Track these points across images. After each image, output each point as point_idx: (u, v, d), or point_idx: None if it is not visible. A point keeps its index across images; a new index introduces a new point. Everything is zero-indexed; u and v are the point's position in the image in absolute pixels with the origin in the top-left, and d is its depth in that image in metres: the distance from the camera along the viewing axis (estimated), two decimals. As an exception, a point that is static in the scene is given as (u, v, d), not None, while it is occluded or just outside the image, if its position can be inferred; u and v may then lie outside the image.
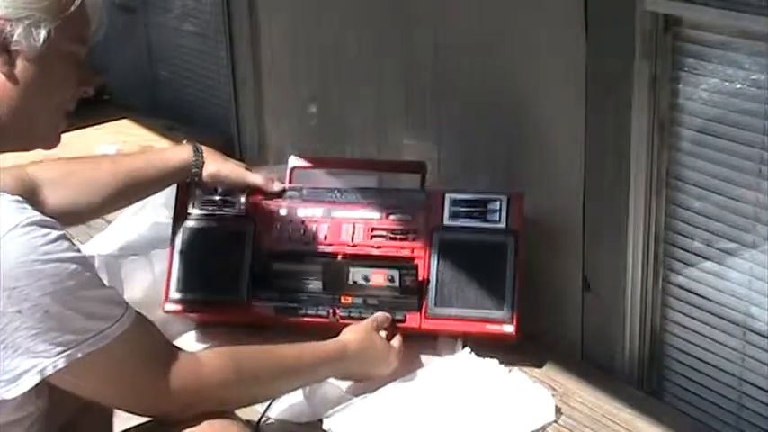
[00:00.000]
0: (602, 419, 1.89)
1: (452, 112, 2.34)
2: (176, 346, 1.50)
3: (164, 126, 3.46)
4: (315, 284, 2.05)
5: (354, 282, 2.04)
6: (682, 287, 1.96)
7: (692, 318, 1.95)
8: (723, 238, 1.86)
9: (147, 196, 2.07)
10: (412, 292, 2.01)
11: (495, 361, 1.97)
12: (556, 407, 1.88)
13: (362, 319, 1.98)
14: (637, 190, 1.92)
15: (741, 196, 1.80)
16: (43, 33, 1.36)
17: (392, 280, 2.01)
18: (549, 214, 2.13)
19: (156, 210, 2.26)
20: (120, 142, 3.32)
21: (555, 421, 1.86)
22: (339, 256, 2.08)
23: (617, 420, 1.89)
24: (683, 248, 1.94)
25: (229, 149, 3.20)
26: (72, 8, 1.39)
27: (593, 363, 2.09)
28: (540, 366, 2.04)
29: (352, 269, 2.03)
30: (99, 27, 1.47)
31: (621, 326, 2.02)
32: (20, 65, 1.37)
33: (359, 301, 2.04)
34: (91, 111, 3.42)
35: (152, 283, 2.15)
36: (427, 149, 2.40)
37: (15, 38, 1.35)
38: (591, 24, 1.93)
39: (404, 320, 2.02)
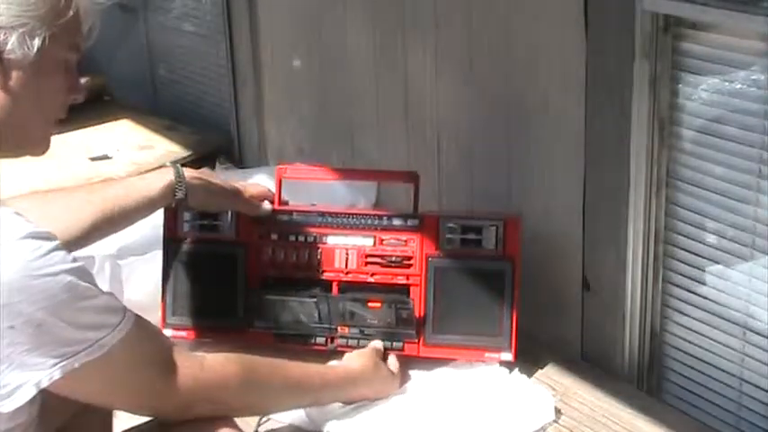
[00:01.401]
0: (602, 419, 1.89)
1: (452, 112, 2.34)
2: (179, 348, 1.49)
3: (164, 126, 3.46)
4: (311, 315, 2.04)
5: (351, 313, 2.03)
6: (682, 287, 1.96)
7: (692, 318, 1.95)
8: (723, 238, 1.86)
9: (130, 224, 1.92)
10: (409, 322, 2.01)
11: (496, 363, 1.97)
12: (556, 407, 1.88)
13: (360, 347, 1.99)
14: (637, 190, 1.92)
15: (741, 196, 1.80)
16: (37, 42, 1.35)
17: (389, 309, 2.01)
18: (550, 215, 2.13)
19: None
20: (120, 142, 3.32)
21: (555, 421, 1.86)
22: (334, 285, 2.06)
23: (617, 420, 1.89)
24: (683, 248, 1.94)
25: (229, 149, 3.21)
26: (67, 17, 1.38)
27: (593, 363, 2.09)
28: (540, 367, 2.04)
29: (348, 302, 2.03)
30: (91, 33, 1.46)
31: (621, 326, 2.02)
32: (13, 73, 1.36)
33: (356, 331, 2.03)
34: (91, 111, 3.43)
35: (152, 284, 2.14)
36: (427, 149, 2.40)
37: (9, 46, 1.34)
38: (591, 24, 1.93)
39: (402, 349, 2.02)
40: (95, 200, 1.84)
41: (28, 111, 1.39)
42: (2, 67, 1.35)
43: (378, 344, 2.00)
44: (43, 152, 1.47)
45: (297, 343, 2.05)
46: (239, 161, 3.17)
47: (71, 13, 1.38)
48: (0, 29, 1.33)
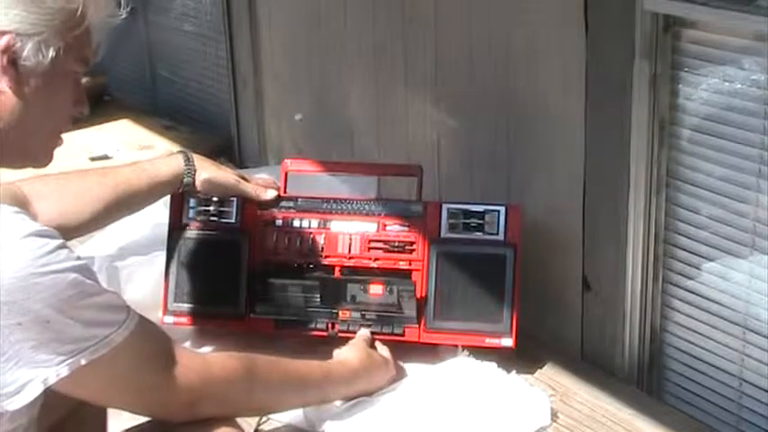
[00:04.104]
0: (602, 419, 1.89)
1: (452, 112, 2.34)
2: (183, 347, 1.50)
3: (164, 126, 3.47)
4: (313, 299, 2.04)
5: (353, 297, 2.03)
6: (682, 287, 1.96)
7: (692, 318, 1.95)
8: (723, 238, 1.86)
9: (140, 208, 2.00)
10: (410, 306, 2.01)
11: (494, 364, 1.97)
12: (552, 410, 1.87)
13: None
14: (637, 190, 1.92)
15: (741, 196, 1.80)
16: (52, 52, 1.37)
17: (390, 294, 2.00)
18: (550, 214, 2.13)
19: (156, 210, 2.26)
20: (120, 142, 3.32)
21: (554, 422, 1.86)
22: (336, 270, 2.07)
23: (617, 420, 1.89)
24: (683, 248, 1.94)
25: (229, 149, 3.21)
26: (80, 29, 1.40)
27: (593, 363, 2.09)
28: (540, 366, 2.04)
29: (350, 285, 2.03)
30: (98, 48, 1.47)
31: (621, 326, 2.02)
32: (26, 81, 1.37)
33: (357, 315, 2.03)
34: (91, 111, 3.43)
35: (152, 285, 2.14)
36: (427, 148, 2.40)
37: (25, 53, 1.36)
38: (591, 24, 1.93)
39: (403, 334, 2.02)
40: (107, 183, 1.90)
41: (37, 119, 1.40)
42: (17, 73, 1.36)
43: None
44: (46, 164, 1.48)
45: (297, 329, 2.05)
46: (239, 161, 3.17)
47: (84, 26, 1.40)
48: (17, 36, 1.35)
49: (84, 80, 1.50)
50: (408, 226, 2.06)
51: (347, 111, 2.67)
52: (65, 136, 1.50)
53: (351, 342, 1.94)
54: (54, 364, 1.29)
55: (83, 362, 1.31)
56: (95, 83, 3.53)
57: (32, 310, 1.26)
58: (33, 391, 1.29)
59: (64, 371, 1.30)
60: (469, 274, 2.01)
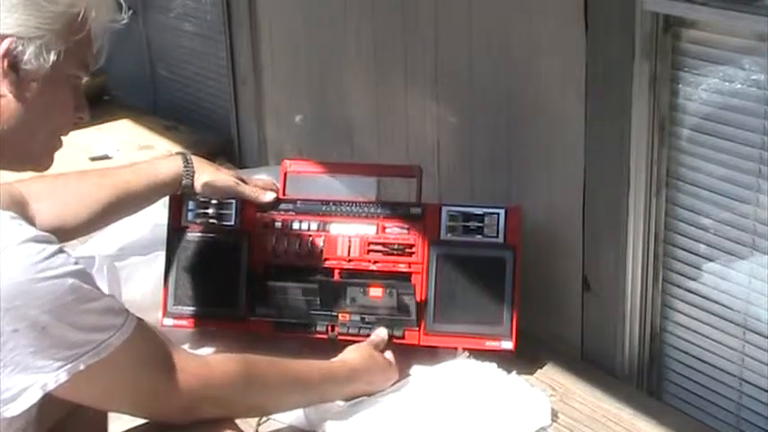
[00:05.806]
0: (602, 419, 1.89)
1: (452, 112, 2.34)
2: (181, 349, 1.50)
3: (164, 126, 3.46)
4: (312, 302, 2.04)
5: (352, 299, 2.03)
6: (682, 287, 1.96)
7: (692, 318, 1.96)
8: (723, 238, 1.86)
9: (139, 209, 2.00)
10: (410, 309, 2.01)
11: (494, 364, 1.97)
12: (553, 410, 1.87)
13: (360, 335, 2.00)
14: (637, 190, 1.92)
15: (741, 196, 1.80)
16: (53, 55, 1.37)
17: (390, 297, 2.00)
18: (550, 214, 2.13)
19: (156, 210, 2.26)
20: (120, 142, 3.32)
21: (554, 422, 1.86)
22: (336, 272, 2.07)
23: (617, 420, 1.89)
24: (683, 248, 1.94)
25: (229, 149, 3.21)
26: (81, 33, 1.40)
27: (593, 363, 2.09)
28: (540, 366, 2.04)
29: (349, 287, 2.03)
30: (100, 54, 1.47)
31: (621, 326, 2.02)
32: (27, 85, 1.37)
33: (357, 318, 2.03)
34: (91, 111, 3.43)
35: (152, 285, 2.14)
36: (427, 148, 2.40)
37: (26, 57, 1.36)
38: (591, 24, 1.93)
39: (402, 337, 2.02)
40: (106, 184, 1.90)
41: (37, 122, 1.40)
42: (17, 77, 1.36)
43: (382, 332, 1.99)
44: (46, 168, 1.48)
45: (297, 332, 2.05)
46: (239, 161, 3.17)
47: (85, 31, 1.40)
48: (19, 39, 1.35)
49: (83, 80, 1.50)
50: (408, 228, 2.06)
51: (347, 111, 2.67)
52: (65, 137, 1.50)
53: (356, 344, 1.94)
54: (52, 369, 1.29)
55: (81, 367, 1.31)
56: (95, 83, 3.53)
57: (29, 317, 1.26)
58: (32, 397, 1.29)
59: (63, 376, 1.29)
60: (469, 276, 2.01)
